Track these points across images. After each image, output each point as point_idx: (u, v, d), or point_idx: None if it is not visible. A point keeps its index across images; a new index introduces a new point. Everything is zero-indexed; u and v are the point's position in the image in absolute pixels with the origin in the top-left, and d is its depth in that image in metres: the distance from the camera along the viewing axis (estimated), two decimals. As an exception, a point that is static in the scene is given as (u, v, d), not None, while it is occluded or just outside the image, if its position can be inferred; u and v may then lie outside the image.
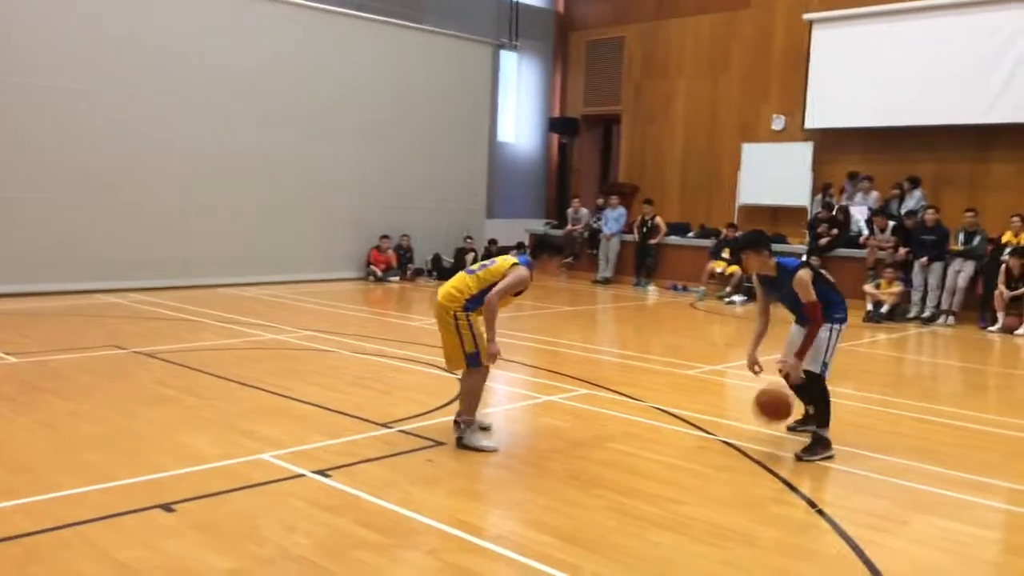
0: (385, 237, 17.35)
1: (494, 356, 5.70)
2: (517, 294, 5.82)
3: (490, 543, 4.29)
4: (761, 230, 6.90)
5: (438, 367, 8.58)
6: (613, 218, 18.51)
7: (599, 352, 10.29)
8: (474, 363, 5.75)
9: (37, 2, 13.05)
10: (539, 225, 20.33)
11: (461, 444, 5.78)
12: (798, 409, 6.17)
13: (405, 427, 6.30)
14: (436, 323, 5.93)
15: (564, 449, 5.95)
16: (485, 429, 6.07)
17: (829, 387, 6.00)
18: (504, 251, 18.67)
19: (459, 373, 6.06)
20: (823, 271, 6.63)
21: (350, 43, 16.88)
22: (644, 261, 17.99)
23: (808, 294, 5.76)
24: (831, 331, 5.89)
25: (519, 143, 21.49)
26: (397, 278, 17.18)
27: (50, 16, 13.16)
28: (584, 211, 19.49)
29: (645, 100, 20.31)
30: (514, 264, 5.76)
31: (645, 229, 17.96)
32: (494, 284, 5.67)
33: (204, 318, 11.42)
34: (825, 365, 5.90)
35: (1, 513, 4.45)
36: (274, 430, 6.14)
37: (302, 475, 5.18)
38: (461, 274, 5.88)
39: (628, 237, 18.31)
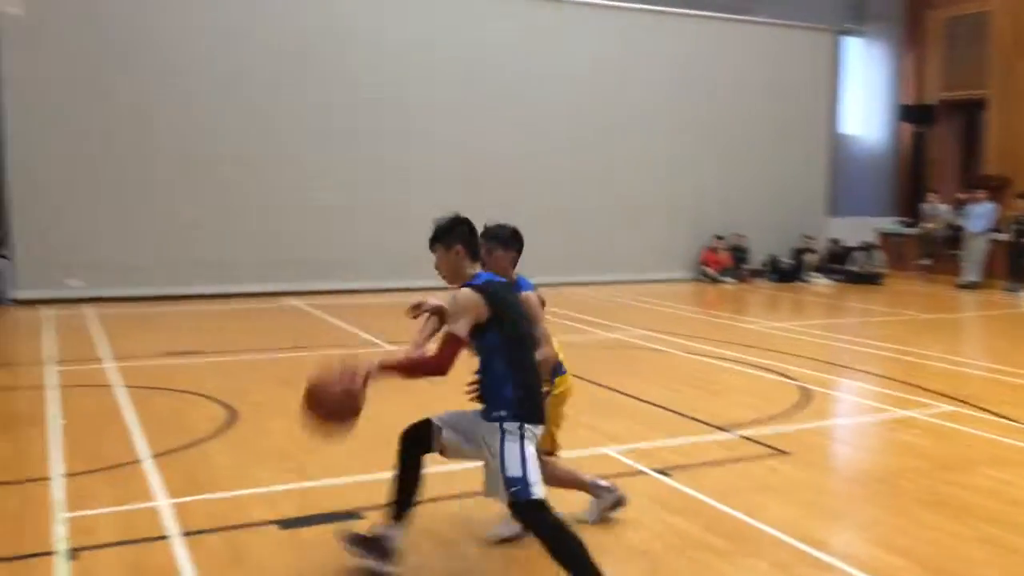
0: (719, 238, 17.13)
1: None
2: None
3: (839, 560, 4.11)
4: None
5: (773, 372, 8.34)
6: (979, 214, 16.57)
7: (963, 365, 9.31)
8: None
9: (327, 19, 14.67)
10: (889, 223, 18.82)
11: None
12: None
13: (746, 432, 6.21)
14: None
15: (923, 469, 5.49)
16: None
17: None
18: (846, 252, 17.60)
19: None
20: None
21: (679, 39, 16.87)
22: (1020, 263, 15.90)
23: None
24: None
25: (864, 135, 20.04)
26: (732, 279, 16.89)
27: (335, 31, 14.73)
28: (942, 207, 17.69)
29: (1018, 80, 17.93)
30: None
31: (1020, 227, 15.88)
32: None
33: (547, 316, 12.10)
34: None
35: (385, 482, 5.11)
36: (614, 425, 6.37)
37: (643, 472, 5.33)
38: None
39: (999, 236, 16.29)
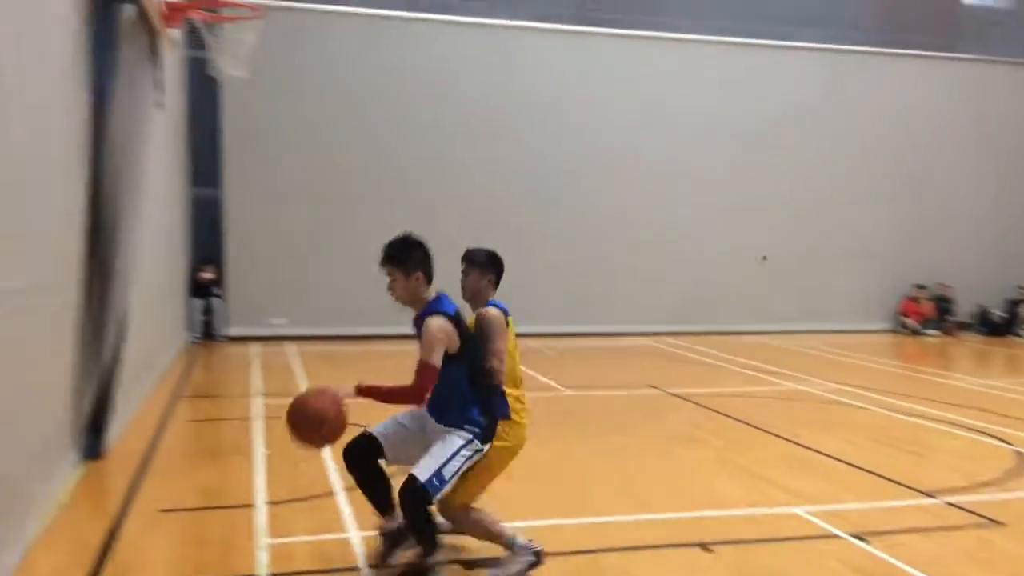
0: (921, 287, 16.04)
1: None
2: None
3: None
4: None
5: (985, 433, 7.66)
6: None
7: None
8: None
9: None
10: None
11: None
12: None
13: (952, 498, 5.72)
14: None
15: None
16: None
17: None
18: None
19: None
20: None
21: (885, 80, 16.12)
22: None
23: None
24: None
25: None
26: (935, 331, 15.72)
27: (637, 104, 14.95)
28: None
29: None
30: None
31: None
32: None
33: (730, 364, 11.76)
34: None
35: (566, 529, 5.11)
36: (803, 483, 6.06)
37: (836, 536, 5.01)
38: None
39: None
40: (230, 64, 9.10)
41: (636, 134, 15.06)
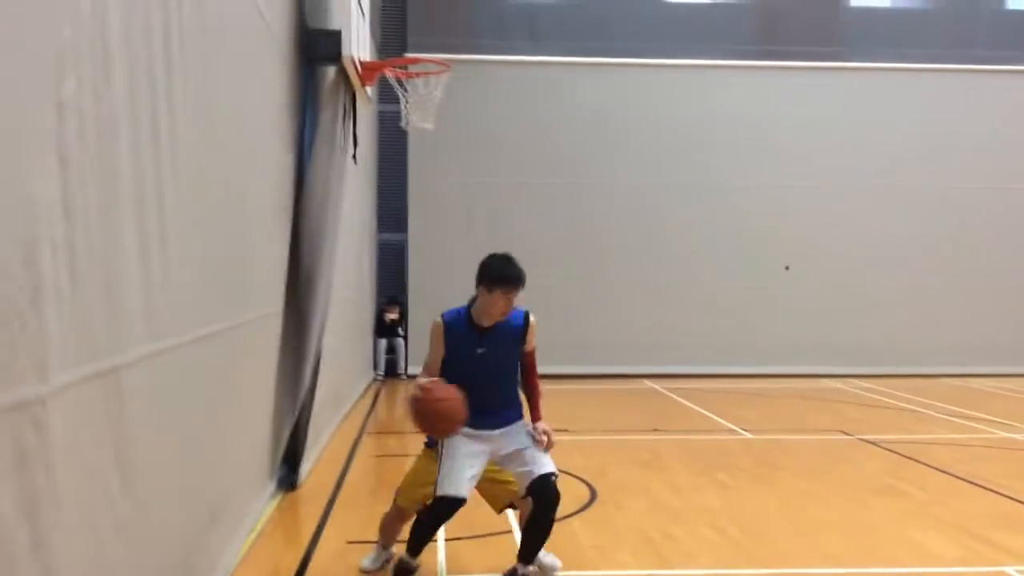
0: None
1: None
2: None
3: None
4: None
5: None
6: None
7: None
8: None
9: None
10: None
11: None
12: None
13: None
14: None
15: None
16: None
17: None
18: None
19: None
20: None
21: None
22: None
23: None
24: None
25: None
26: None
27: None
28: None
29: None
30: None
31: None
32: None
33: (928, 409, 10.96)
34: None
35: (748, 578, 4.90)
36: (1017, 541, 5.51)
37: (1058, 600, 4.53)
38: None
39: None
40: (419, 117, 9.58)
41: (833, 161, 14.55)
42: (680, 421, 10.22)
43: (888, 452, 8.31)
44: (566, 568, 5.00)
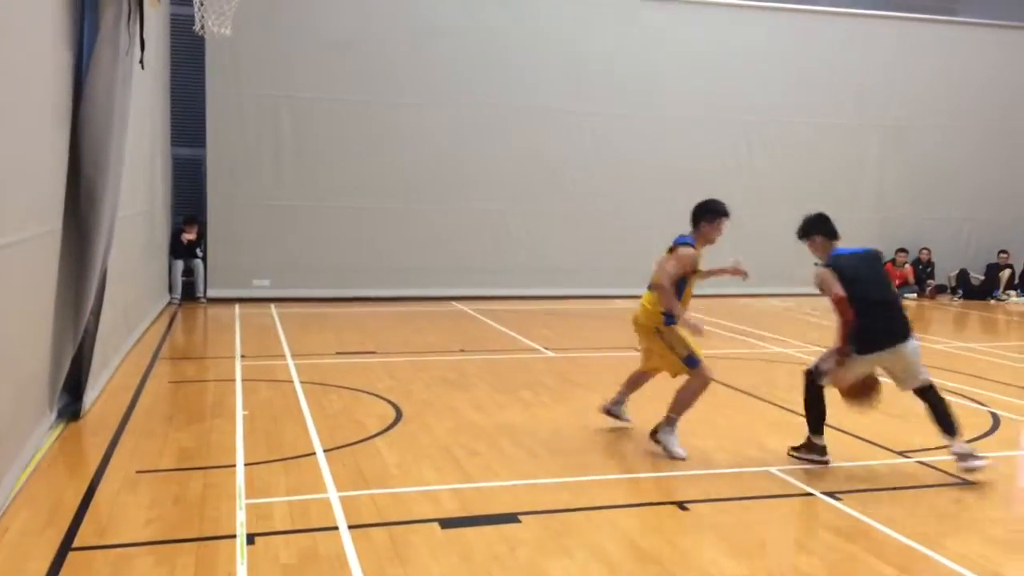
0: (902, 251, 16.12)
1: (698, 327, 5.64)
2: (693, 272, 5.87)
3: (1032, 605, 3.76)
4: None
5: (961, 396, 7.74)
6: None
7: None
8: (693, 363, 5.74)
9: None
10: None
11: (653, 436, 5.86)
12: None
13: (925, 459, 5.80)
14: (640, 341, 6.19)
15: None
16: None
17: None
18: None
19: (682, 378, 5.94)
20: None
21: (868, 45, 16.05)
22: None
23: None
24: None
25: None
26: (914, 295, 15.85)
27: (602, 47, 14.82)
28: None
29: None
30: (670, 249, 5.85)
31: None
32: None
33: (714, 327, 11.82)
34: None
35: (545, 488, 5.15)
36: (782, 444, 6.11)
37: (811, 494, 5.08)
38: (646, 292, 6.00)
39: None
40: (215, 22, 8.94)
41: (637, 90, 14.99)
42: (487, 341, 10.46)
43: (676, 367, 8.91)
44: (368, 487, 5.04)
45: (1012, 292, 16.03)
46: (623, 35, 15.04)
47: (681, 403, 5.82)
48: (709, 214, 6.00)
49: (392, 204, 14.20)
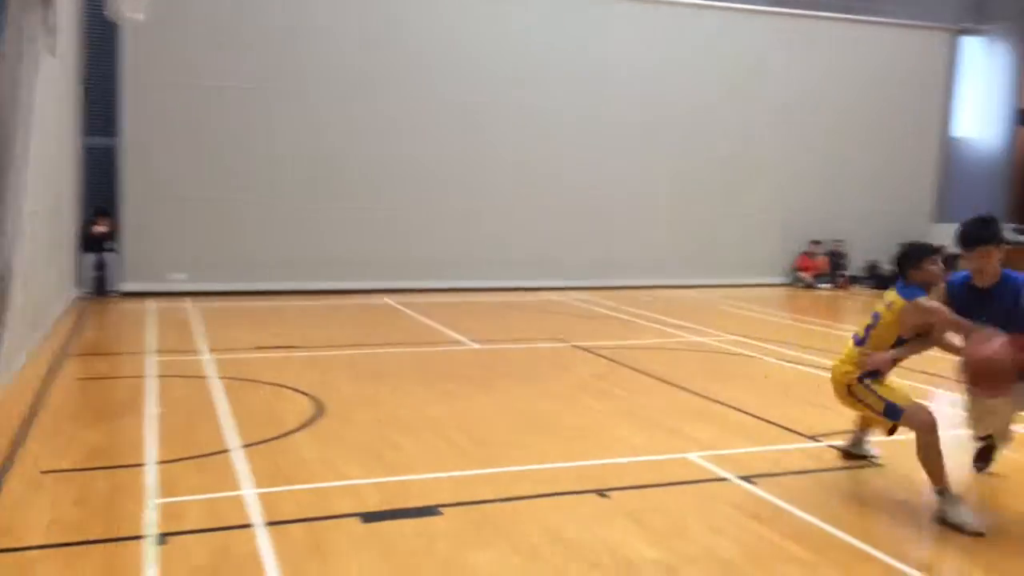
0: (816, 242, 16.63)
1: (883, 361, 4.90)
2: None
3: (933, 580, 3.92)
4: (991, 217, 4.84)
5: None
6: (1100, 221, 15.64)
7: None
8: (894, 414, 4.82)
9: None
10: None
11: (940, 519, 4.61)
12: None
13: (835, 442, 5.98)
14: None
15: (1028, 488, 5.18)
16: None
17: None
18: (954, 259, 16.79)
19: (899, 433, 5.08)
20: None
21: (790, 39, 16.45)
22: None
23: None
24: None
25: (979, 138, 19.11)
26: (828, 285, 16.36)
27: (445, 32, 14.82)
28: (1060, 213, 16.76)
29: None
30: (904, 305, 4.83)
31: None
32: (892, 343, 4.93)
33: (637, 318, 11.99)
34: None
35: (467, 480, 5.14)
36: (700, 431, 6.24)
37: (727, 479, 5.19)
38: (849, 346, 5.14)
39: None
40: (129, 6, 8.66)
41: (559, 90, 15.04)
42: (412, 335, 10.39)
43: (599, 357, 9.01)
44: (287, 483, 4.95)
45: (919, 282, 16.70)
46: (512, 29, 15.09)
47: (929, 469, 4.67)
48: (919, 254, 5.01)
49: (314, 196, 13.96)
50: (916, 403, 4.81)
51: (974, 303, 4.74)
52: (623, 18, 15.37)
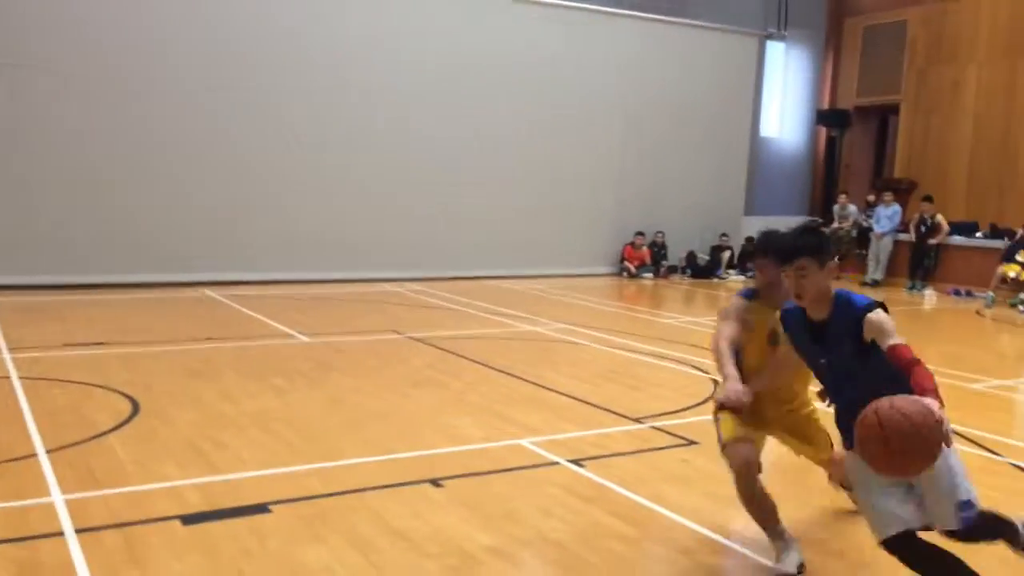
0: (640, 234, 17.37)
1: (730, 400, 3.83)
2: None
3: (740, 546, 4.20)
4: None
5: (688, 364, 8.49)
6: (886, 216, 17.23)
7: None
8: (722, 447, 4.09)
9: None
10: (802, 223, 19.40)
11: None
12: None
13: (657, 423, 6.29)
14: None
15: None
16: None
17: None
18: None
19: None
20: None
21: (607, 40, 17.03)
22: (921, 263, 16.60)
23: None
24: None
25: (783, 137, 20.61)
26: (651, 275, 17.14)
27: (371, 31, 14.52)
28: (852, 208, 18.33)
29: (929, 88, 18.65)
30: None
31: (924, 228, 16.55)
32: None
33: (470, 308, 12.09)
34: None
35: (297, 476, 5.01)
36: (531, 418, 6.38)
37: (557, 463, 5.34)
38: None
39: (902, 236, 17.00)
40: None
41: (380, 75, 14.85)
42: (236, 328, 9.98)
43: (432, 348, 9.02)
44: (99, 487, 4.65)
45: (731, 271, 17.79)
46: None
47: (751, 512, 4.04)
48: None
49: (122, 178, 12.88)
50: (734, 441, 3.98)
51: (812, 343, 3.55)
52: (418, 10, 15.27)
